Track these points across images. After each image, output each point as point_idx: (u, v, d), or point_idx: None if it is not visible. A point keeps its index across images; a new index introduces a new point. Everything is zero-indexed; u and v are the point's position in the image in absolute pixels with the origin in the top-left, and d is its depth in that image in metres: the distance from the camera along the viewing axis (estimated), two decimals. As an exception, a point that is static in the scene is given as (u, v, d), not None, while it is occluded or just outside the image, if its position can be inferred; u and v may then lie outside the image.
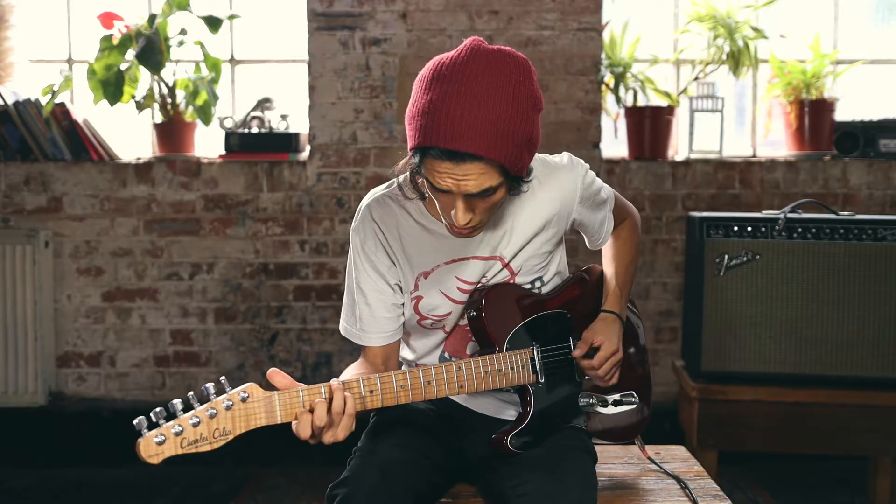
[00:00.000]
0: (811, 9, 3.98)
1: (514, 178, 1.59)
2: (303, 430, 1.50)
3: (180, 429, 1.39)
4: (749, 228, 2.71)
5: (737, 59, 3.69)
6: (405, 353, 1.90)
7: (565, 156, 1.81)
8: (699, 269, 2.75)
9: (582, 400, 1.80)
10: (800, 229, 2.70)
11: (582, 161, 1.82)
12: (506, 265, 1.78)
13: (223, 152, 3.74)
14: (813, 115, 3.78)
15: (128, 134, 3.89)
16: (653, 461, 1.97)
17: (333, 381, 1.53)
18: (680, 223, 3.75)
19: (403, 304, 1.80)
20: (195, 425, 1.41)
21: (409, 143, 1.58)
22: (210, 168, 3.74)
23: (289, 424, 1.54)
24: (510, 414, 1.83)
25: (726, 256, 2.72)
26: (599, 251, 2.00)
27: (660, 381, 3.75)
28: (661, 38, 3.94)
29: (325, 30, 3.73)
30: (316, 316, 3.77)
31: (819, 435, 2.71)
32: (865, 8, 4.10)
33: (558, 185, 1.76)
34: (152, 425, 1.38)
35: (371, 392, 1.56)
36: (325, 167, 3.75)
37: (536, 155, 1.73)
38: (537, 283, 1.83)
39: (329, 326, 3.76)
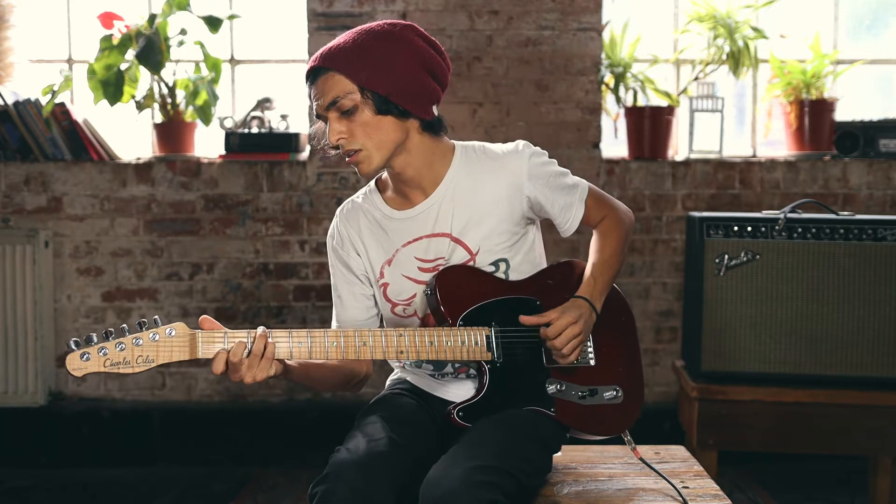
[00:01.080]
0: (811, 9, 3.98)
1: (373, 94, 1.72)
2: (216, 366, 1.65)
3: (106, 350, 1.60)
4: (749, 228, 2.71)
5: (737, 59, 3.69)
6: None
7: (515, 142, 1.88)
8: (699, 269, 2.75)
9: (550, 386, 1.80)
10: (800, 229, 2.70)
11: (535, 147, 1.87)
12: (457, 241, 1.83)
13: (223, 152, 3.74)
14: (813, 115, 3.78)
15: (128, 134, 3.89)
16: (643, 461, 1.95)
17: (259, 328, 1.67)
18: (680, 223, 3.75)
19: (374, 296, 1.91)
20: (121, 350, 1.60)
21: None
22: (210, 168, 3.75)
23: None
24: None
25: (726, 256, 2.72)
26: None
27: (660, 381, 3.75)
28: (661, 38, 3.94)
29: (325, 30, 3.73)
30: (316, 316, 3.77)
31: (819, 435, 2.71)
32: (865, 8, 4.10)
33: (503, 167, 1.83)
34: (85, 346, 1.59)
35: (299, 344, 1.68)
36: (325, 167, 3.75)
37: (483, 143, 1.88)
38: (502, 265, 1.85)
39: (329, 326, 3.76)
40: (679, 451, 2.12)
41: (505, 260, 1.85)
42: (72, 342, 1.60)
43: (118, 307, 3.76)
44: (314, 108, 1.78)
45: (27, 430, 3.69)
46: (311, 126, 1.90)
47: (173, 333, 1.63)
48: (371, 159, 1.76)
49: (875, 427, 2.69)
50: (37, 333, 3.66)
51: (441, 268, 1.82)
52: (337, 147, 1.78)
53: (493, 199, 1.82)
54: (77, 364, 1.60)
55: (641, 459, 1.95)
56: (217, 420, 3.70)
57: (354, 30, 1.79)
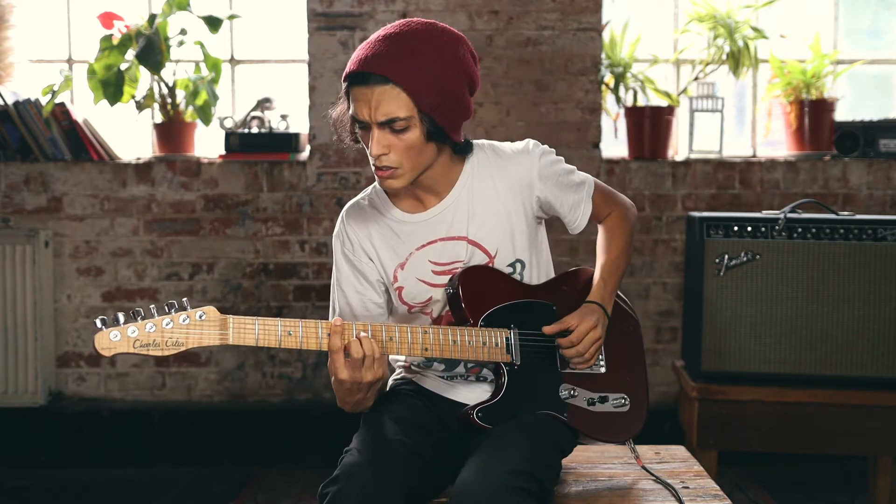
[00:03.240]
0: (811, 9, 3.98)
1: (429, 120, 1.67)
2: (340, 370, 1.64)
3: (135, 331, 1.53)
4: (749, 228, 2.71)
5: (737, 59, 3.69)
6: None
7: (524, 141, 1.88)
8: (699, 269, 2.75)
9: (563, 391, 1.81)
10: (800, 229, 2.70)
11: (544, 145, 1.87)
12: (474, 244, 1.83)
13: (223, 152, 3.74)
14: (813, 115, 3.78)
15: (128, 134, 3.89)
16: (646, 469, 1.94)
17: (292, 320, 1.64)
18: (680, 223, 3.75)
19: (384, 303, 1.88)
20: (150, 331, 1.54)
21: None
22: (210, 168, 3.74)
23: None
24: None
25: (726, 256, 2.72)
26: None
27: (660, 381, 3.75)
28: (661, 38, 3.94)
29: (325, 30, 3.73)
30: (316, 316, 3.76)
31: (819, 435, 2.71)
32: (865, 8, 4.10)
33: (513, 166, 1.84)
34: (112, 325, 1.52)
35: (329, 335, 1.64)
36: (325, 167, 3.75)
37: (493, 143, 1.87)
38: (518, 266, 1.86)
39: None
40: (679, 451, 2.12)
41: (521, 261, 1.87)
42: (98, 320, 1.51)
43: (118, 307, 3.76)
44: (354, 110, 1.68)
45: (27, 430, 3.68)
46: (332, 112, 1.80)
47: (203, 317, 1.57)
48: (404, 178, 1.73)
49: (875, 427, 2.69)
50: (37, 333, 3.66)
51: (460, 269, 1.82)
52: (357, 140, 1.75)
53: (506, 199, 1.83)
54: (106, 343, 1.51)
55: (645, 468, 1.94)
56: (217, 420, 3.69)
57: (413, 34, 1.67)
